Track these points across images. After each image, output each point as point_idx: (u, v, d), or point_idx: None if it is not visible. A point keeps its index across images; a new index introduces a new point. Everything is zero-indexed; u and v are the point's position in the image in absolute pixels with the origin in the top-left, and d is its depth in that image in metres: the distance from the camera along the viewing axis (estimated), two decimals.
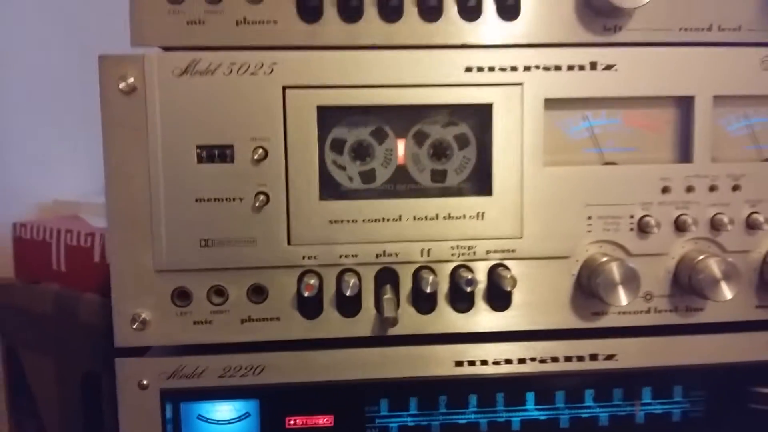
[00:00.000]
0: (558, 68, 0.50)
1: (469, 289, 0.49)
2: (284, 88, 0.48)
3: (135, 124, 0.47)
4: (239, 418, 0.53)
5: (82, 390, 0.67)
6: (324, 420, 0.53)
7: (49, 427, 0.93)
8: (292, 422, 0.53)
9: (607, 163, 0.53)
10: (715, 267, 0.50)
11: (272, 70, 0.48)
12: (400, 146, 0.52)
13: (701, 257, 0.51)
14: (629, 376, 0.54)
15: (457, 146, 0.52)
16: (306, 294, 0.48)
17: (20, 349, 0.92)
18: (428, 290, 0.49)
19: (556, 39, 0.51)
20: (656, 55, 0.51)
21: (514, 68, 0.50)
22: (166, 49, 0.49)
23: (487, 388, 0.54)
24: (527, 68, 0.50)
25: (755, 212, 0.53)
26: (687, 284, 0.52)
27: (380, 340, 0.52)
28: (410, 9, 0.49)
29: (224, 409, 0.53)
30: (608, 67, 0.50)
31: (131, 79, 0.47)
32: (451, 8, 0.49)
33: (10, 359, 0.92)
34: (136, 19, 0.48)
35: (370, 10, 0.49)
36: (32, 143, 1.06)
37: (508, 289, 0.49)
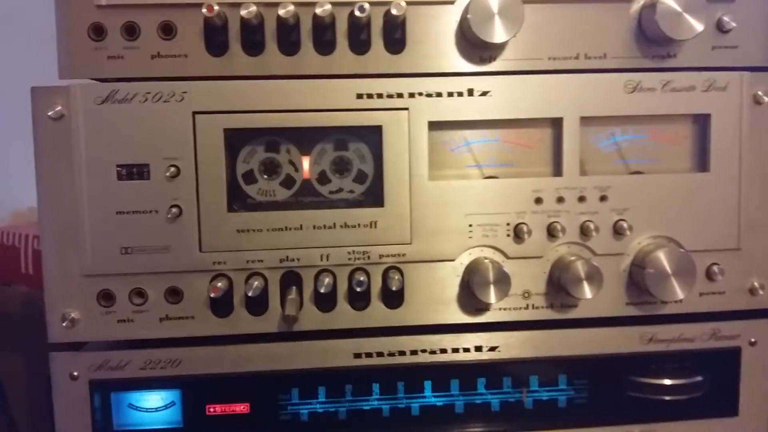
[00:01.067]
0: (439, 95, 0.57)
1: (359, 290, 0.56)
2: (194, 114, 0.55)
3: (63, 146, 0.54)
4: (165, 407, 0.60)
5: (50, 386, 0.73)
6: (241, 407, 0.60)
7: (19, 422, 1.00)
8: (212, 410, 0.60)
9: (487, 177, 0.59)
10: (579, 268, 0.57)
11: (183, 98, 0.54)
12: (306, 162, 0.58)
13: (569, 259, 0.58)
14: (511, 364, 0.60)
15: (355, 162, 0.58)
16: (212, 295, 0.54)
17: None
18: (323, 291, 0.55)
19: (437, 69, 0.57)
20: (528, 81, 0.58)
21: (400, 95, 0.56)
22: (100, 80, 0.55)
23: (386, 377, 0.60)
24: (412, 95, 0.56)
25: (621, 220, 0.59)
26: (558, 283, 0.58)
27: (291, 335, 0.58)
28: (307, 43, 0.56)
29: (152, 399, 0.60)
30: (484, 93, 0.57)
31: (59, 107, 0.53)
32: (343, 42, 0.56)
33: None
34: (63, 54, 0.54)
35: (271, 45, 0.55)
36: (9, 152, 1.13)
37: (394, 288, 0.56)
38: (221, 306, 0.56)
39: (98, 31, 0.54)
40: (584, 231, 0.58)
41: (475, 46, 0.56)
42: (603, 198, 0.59)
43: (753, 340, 0.62)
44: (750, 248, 0.61)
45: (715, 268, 0.60)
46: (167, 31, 0.54)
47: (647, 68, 0.59)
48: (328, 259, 0.57)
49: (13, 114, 1.08)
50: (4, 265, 1.01)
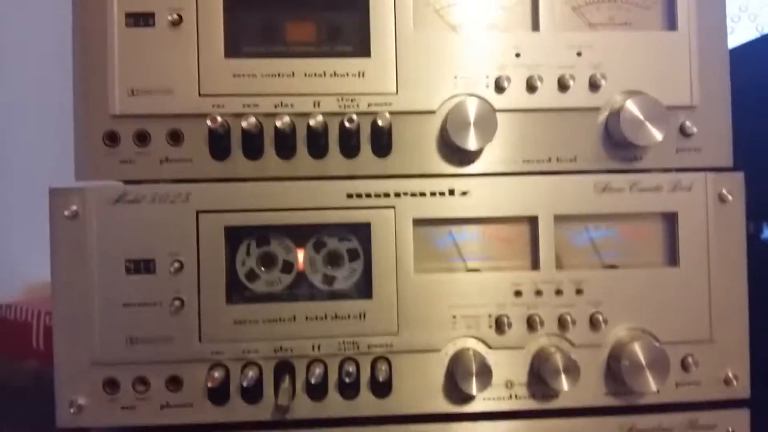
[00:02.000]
0: (423, 194, 0.62)
1: (348, 380, 0.59)
2: (197, 213, 0.60)
3: (76, 242, 0.59)
4: None
5: None
6: None
7: None
8: None
9: (470, 270, 0.63)
10: (557, 361, 0.60)
11: (188, 199, 0.59)
12: (300, 255, 0.63)
13: (548, 351, 0.61)
14: None
15: (347, 256, 0.63)
16: (210, 385, 0.58)
17: (2, 424, 1.01)
18: (314, 381, 0.59)
19: (421, 171, 0.62)
20: (504, 182, 0.62)
21: (387, 195, 0.61)
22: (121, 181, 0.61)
23: None
24: (398, 194, 0.61)
25: (597, 312, 0.63)
26: (539, 374, 0.61)
27: (284, 423, 0.60)
28: (302, 149, 0.61)
29: None
30: (464, 193, 0.62)
31: (74, 207, 0.59)
32: (334, 147, 0.61)
33: None
34: (80, 158, 0.60)
35: (269, 151, 0.61)
36: (23, 226, 1.19)
37: (381, 379, 0.59)
38: (218, 395, 0.59)
39: (112, 138, 0.60)
40: (562, 323, 0.62)
41: (454, 150, 0.61)
42: (579, 291, 0.62)
43: (731, 429, 0.64)
44: (722, 339, 0.63)
45: (690, 360, 0.63)
46: (175, 138, 0.60)
47: (615, 170, 0.63)
48: (319, 350, 0.60)
49: (27, 192, 1.15)
50: (17, 340, 1.05)
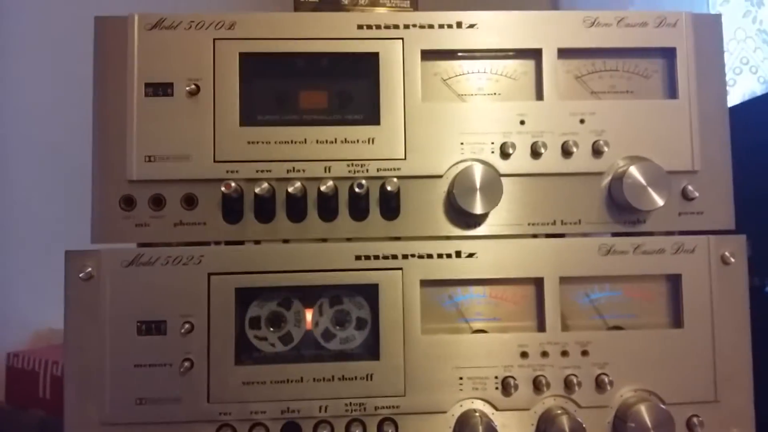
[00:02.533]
0: (430, 256, 0.63)
1: None
2: (209, 275, 0.61)
3: (90, 303, 0.60)
4: None
5: None
6: None
7: None
8: None
9: (476, 331, 0.64)
10: (563, 423, 0.60)
11: (200, 261, 0.61)
12: (308, 315, 0.64)
13: (554, 413, 0.62)
14: None
15: (355, 317, 0.64)
16: None
17: None
18: None
19: (428, 233, 0.64)
20: (510, 244, 0.64)
21: (395, 256, 0.63)
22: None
23: None
24: (405, 256, 0.63)
25: (603, 374, 0.63)
26: None
27: None
28: (312, 212, 0.63)
29: None
30: (470, 255, 0.63)
31: (89, 269, 0.60)
32: (344, 210, 0.63)
33: None
34: (96, 221, 0.61)
35: (281, 214, 0.62)
36: (31, 274, 1.20)
37: None
38: None
39: (129, 202, 0.61)
40: (568, 384, 0.62)
41: (461, 213, 0.63)
42: (584, 353, 0.63)
43: None
44: (727, 400, 0.64)
45: (695, 420, 0.63)
46: (189, 202, 0.62)
47: (619, 233, 0.65)
48: (326, 411, 0.61)
49: (35, 244, 1.17)
50: (23, 388, 1.05)
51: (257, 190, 0.59)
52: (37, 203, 1.23)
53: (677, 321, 0.64)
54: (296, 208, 0.62)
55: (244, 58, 0.63)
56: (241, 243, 0.63)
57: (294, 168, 0.62)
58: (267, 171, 0.62)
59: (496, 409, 0.62)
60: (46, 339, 1.24)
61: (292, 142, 0.62)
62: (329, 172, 0.62)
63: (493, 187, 0.61)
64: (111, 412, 0.59)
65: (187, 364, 0.59)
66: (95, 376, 0.59)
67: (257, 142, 0.62)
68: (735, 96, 1.18)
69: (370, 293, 0.63)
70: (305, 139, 0.62)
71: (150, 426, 0.59)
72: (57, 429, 0.59)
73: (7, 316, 1.22)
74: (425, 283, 0.63)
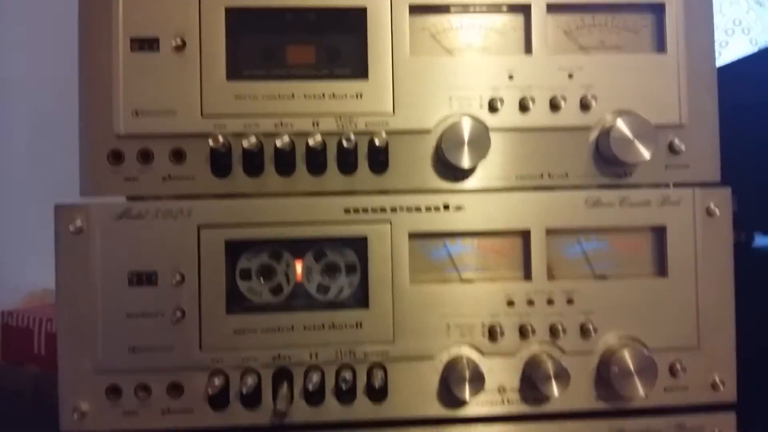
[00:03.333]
0: (418, 209, 0.63)
1: (344, 387, 0.61)
2: (199, 228, 0.62)
3: (81, 256, 0.61)
4: None
5: None
6: None
7: None
8: None
9: (464, 281, 0.65)
10: (548, 367, 0.62)
11: (190, 214, 0.61)
12: (299, 267, 0.65)
13: (540, 358, 0.63)
14: None
15: (344, 268, 0.65)
16: (210, 392, 0.60)
17: (3, 427, 1.02)
18: (311, 388, 0.61)
19: (416, 187, 0.64)
20: (497, 197, 0.64)
21: (383, 210, 0.63)
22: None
23: None
24: (394, 209, 0.63)
25: (587, 321, 0.65)
26: (530, 380, 0.63)
27: (282, 427, 0.62)
28: (301, 166, 0.63)
29: None
30: (458, 208, 0.64)
31: (79, 223, 0.60)
32: (332, 165, 0.63)
33: None
34: (85, 175, 0.62)
35: (269, 168, 0.63)
36: (25, 236, 1.21)
37: (377, 385, 0.61)
38: (218, 401, 0.61)
39: (117, 157, 0.61)
40: (553, 331, 0.64)
41: (449, 167, 0.63)
42: (570, 301, 0.64)
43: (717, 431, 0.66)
44: (710, 346, 0.65)
45: (678, 366, 0.65)
46: (178, 156, 0.62)
47: (606, 185, 0.65)
48: (317, 357, 0.62)
49: (29, 204, 1.18)
50: (18, 345, 1.07)
51: (245, 144, 0.59)
52: (32, 164, 1.23)
53: (662, 270, 0.66)
54: (285, 162, 0.62)
55: (231, 12, 0.62)
56: (231, 197, 0.62)
57: (282, 123, 0.62)
58: (255, 125, 0.62)
59: (483, 354, 0.64)
60: (40, 299, 1.25)
61: (279, 96, 0.62)
62: (317, 126, 0.62)
63: (481, 141, 0.61)
64: (104, 360, 0.60)
65: (178, 313, 0.60)
66: (88, 326, 0.60)
67: (244, 97, 0.62)
68: (727, 57, 1.18)
69: (359, 246, 0.64)
70: (293, 94, 0.62)
71: (143, 373, 0.61)
72: (52, 383, 0.61)
73: (2, 277, 1.22)
74: (413, 236, 0.63)
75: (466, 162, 0.61)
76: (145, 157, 0.61)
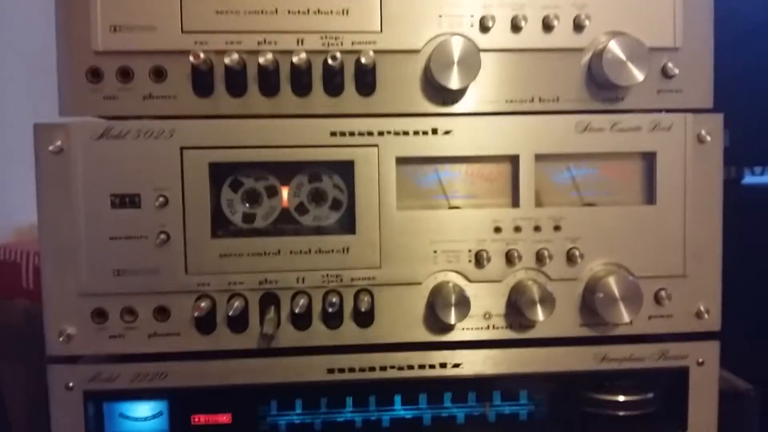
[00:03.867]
0: (406, 133, 0.62)
1: (332, 311, 0.61)
2: (181, 149, 0.60)
3: (62, 177, 0.59)
4: (153, 416, 0.65)
5: (47, 396, 0.77)
6: (224, 418, 0.65)
7: (18, 428, 1.04)
8: (197, 420, 0.64)
9: (452, 207, 0.65)
10: (533, 292, 0.62)
11: (172, 135, 0.60)
12: (285, 192, 0.64)
13: (525, 284, 0.63)
14: (474, 380, 0.65)
15: (331, 193, 0.64)
16: (196, 314, 0.60)
17: None
18: (298, 311, 0.61)
19: (404, 110, 0.63)
20: (486, 121, 0.63)
21: (370, 133, 0.62)
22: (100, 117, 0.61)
23: (358, 391, 0.65)
24: (381, 133, 0.62)
25: (574, 248, 0.64)
26: (516, 305, 0.64)
27: (269, 351, 0.63)
28: (285, 86, 0.61)
29: (141, 409, 0.65)
30: (447, 132, 0.63)
31: (59, 143, 0.59)
32: (318, 85, 0.62)
33: None
34: (63, 94, 0.60)
35: (253, 88, 0.61)
36: (12, 172, 1.19)
37: (364, 310, 0.61)
38: (205, 324, 0.61)
39: (95, 74, 0.60)
40: (540, 258, 0.64)
41: (438, 90, 0.62)
42: (557, 228, 0.64)
43: (700, 360, 0.67)
44: (696, 275, 0.66)
45: (663, 293, 0.65)
46: (158, 74, 0.60)
47: (597, 110, 0.64)
48: (303, 282, 0.62)
49: (16, 137, 1.15)
50: (7, 280, 1.07)
51: (227, 61, 0.58)
52: (21, 100, 1.20)
53: (650, 198, 0.65)
54: (269, 82, 0.61)
55: None
56: (214, 118, 0.61)
57: (265, 40, 0.60)
58: (237, 42, 0.60)
59: (469, 280, 0.63)
60: (27, 234, 1.24)
61: (262, 12, 0.60)
62: (302, 44, 0.60)
63: (470, 62, 0.60)
64: (88, 283, 0.60)
65: (163, 236, 0.60)
66: (71, 249, 0.60)
67: (226, 12, 0.60)
68: None
69: (345, 170, 0.63)
70: (276, 9, 0.60)
71: (129, 296, 0.60)
72: (42, 316, 0.60)
73: None
74: (401, 161, 0.62)
75: (455, 83, 0.59)
76: (125, 75, 0.60)
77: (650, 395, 0.67)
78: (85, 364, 0.62)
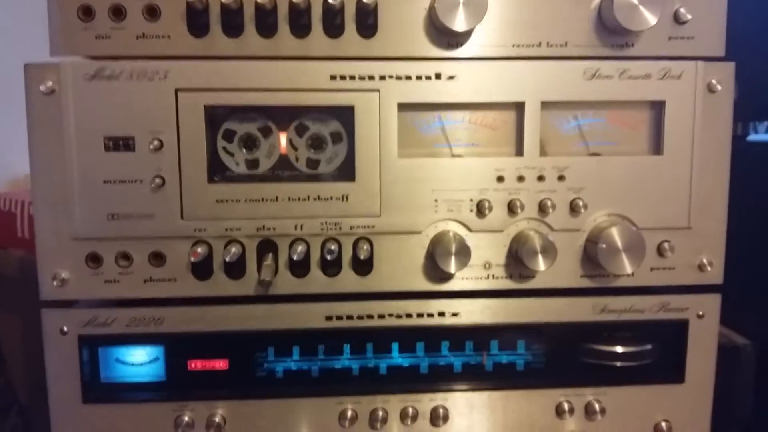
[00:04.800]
0: (408, 78, 0.60)
1: (330, 258, 0.60)
2: (176, 91, 0.58)
3: (54, 119, 0.58)
4: (149, 362, 0.65)
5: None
6: (220, 364, 0.65)
7: (16, 380, 1.05)
8: (193, 365, 0.64)
9: (454, 156, 0.63)
10: (534, 242, 0.61)
11: (166, 76, 0.58)
12: (282, 138, 0.62)
13: (527, 234, 0.62)
14: (472, 329, 0.65)
15: (330, 139, 0.62)
16: (192, 260, 0.59)
17: None
18: (296, 258, 0.60)
19: (407, 53, 0.61)
20: (492, 67, 0.61)
21: (371, 77, 0.60)
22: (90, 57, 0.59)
23: (356, 339, 0.65)
24: (383, 77, 0.60)
25: (578, 198, 0.63)
26: (516, 256, 0.63)
27: (267, 298, 0.62)
28: (283, 26, 0.59)
29: (137, 354, 0.64)
30: (451, 77, 0.61)
31: (50, 83, 0.57)
32: (318, 26, 0.59)
33: None
34: (54, 32, 0.58)
35: (249, 27, 0.59)
36: (4, 122, 1.17)
37: (363, 257, 0.60)
38: (201, 270, 0.61)
39: (87, 12, 0.57)
40: (542, 208, 0.63)
41: (442, 32, 0.60)
42: (561, 177, 0.63)
43: (701, 313, 0.66)
44: (700, 227, 0.65)
45: (666, 245, 0.64)
46: (152, 13, 0.58)
47: (606, 56, 0.62)
48: (302, 229, 0.61)
49: (9, 86, 1.13)
50: (1, 229, 1.06)
51: None
52: (18, 50, 1.16)
53: (657, 148, 0.64)
54: (266, 21, 0.58)
55: None
56: (209, 59, 0.59)
57: None
58: None
59: (470, 230, 0.62)
60: (22, 185, 1.23)
61: None
62: None
63: (477, 2, 0.57)
64: (82, 228, 0.59)
65: (158, 180, 0.58)
66: (63, 192, 0.58)
67: None
68: None
69: (345, 115, 0.61)
70: None
71: (124, 241, 0.59)
72: (36, 265, 0.59)
73: None
74: (403, 107, 0.61)
75: (460, 24, 0.57)
76: (117, 13, 0.57)
77: (648, 347, 0.67)
78: (79, 308, 0.61)
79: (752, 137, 0.96)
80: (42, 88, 0.57)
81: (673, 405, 0.66)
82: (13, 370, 1.06)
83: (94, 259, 0.60)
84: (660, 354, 0.67)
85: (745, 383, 0.75)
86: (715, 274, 0.65)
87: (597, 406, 0.65)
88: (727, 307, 0.67)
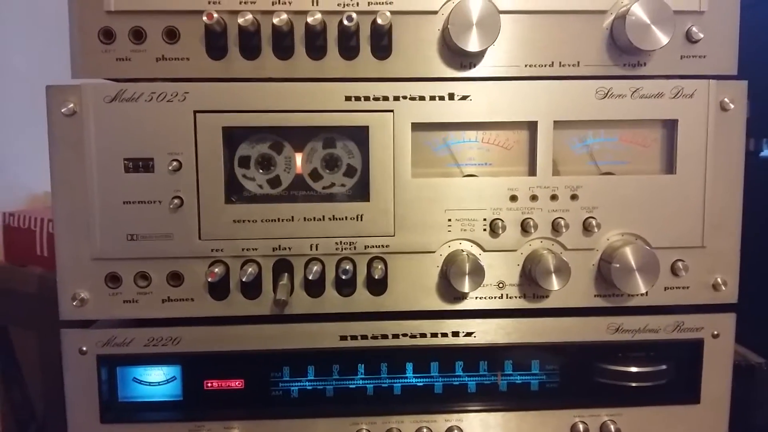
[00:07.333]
0: (422, 98, 0.61)
1: (345, 278, 0.61)
2: (195, 112, 0.59)
3: (75, 140, 0.59)
4: (167, 381, 0.65)
5: (61, 361, 0.77)
6: (236, 383, 0.65)
7: (33, 393, 1.05)
8: (209, 385, 0.65)
9: (467, 176, 0.64)
10: (548, 261, 0.61)
11: (185, 98, 0.59)
12: (299, 158, 0.63)
13: (540, 253, 0.62)
14: (486, 350, 0.65)
15: (345, 160, 0.63)
16: (210, 280, 0.59)
17: (9, 326, 1.04)
18: (311, 278, 0.60)
19: (421, 74, 0.61)
20: (505, 87, 0.62)
21: (386, 98, 0.61)
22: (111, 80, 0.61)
23: (370, 359, 0.65)
24: (397, 98, 0.61)
25: (591, 217, 0.63)
26: (530, 275, 0.63)
27: (282, 317, 0.63)
28: (300, 49, 0.60)
29: (154, 373, 0.65)
30: (464, 98, 0.61)
31: (71, 105, 0.58)
32: (333, 48, 0.60)
33: (1, 335, 1.04)
34: (76, 55, 0.59)
35: (267, 50, 0.60)
36: (25, 140, 1.19)
37: (377, 277, 0.61)
38: (218, 290, 0.61)
39: (108, 35, 0.59)
40: (555, 227, 0.63)
41: (456, 53, 0.60)
42: (574, 197, 0.63)
43: (716, 332, 0.66)
44: (714, 246, 0.64)
45: (680, 264, 0.64)
46: (171, 35, 0.59)
47: (618, 76, 0.63)
48: (317, 249, 0.62)
49: (30, 105, 1.15)
50: (21, 247, 1.07)
51: (240, 21, 0.57)
52: (36, 70, 1.19)
53: (670, 167, 0.64)
54: (282, 43, 0.60)
55: None
56: (227, 80, 0.60)
57: (279, 0, 0.58)
58: (251, 2, 0.58)
59: (483, 249, 0.63)
60: (42, 202, 1.24)
61: None
62: (317, 4, 0.59)
63: (490, 23, 0.58)
64: (101, 248, 0.60)
65: (176, 201, 0.59)
66: (84, 213, 0.59)
67: None
68: None
69: (360, 136, 0.62)
70: None
71: (142, 261, 0.60)
72: (56, 283, 0.60)
73: (3, 181, 1.21)
74: (417, 127, 0.61)
75: (473, 45, 0.58)
76: (138, 36, 0.59)
77: (663, 367, 0.67)
78: (98, 328, 0.62)
79: (765, 153, 0.95)
80: (63, 109, 0.58)
81: (688, 425, 0.66)
82: (32, 388, 1.07)
83: (113, 280, 0.60)
84: (675, 374, 0.67)
85: (761, 402, 0.75)
86: (729, 293, 0.65)
87: (612, 427, 0.65)
88: (742, 325, 0.66)
